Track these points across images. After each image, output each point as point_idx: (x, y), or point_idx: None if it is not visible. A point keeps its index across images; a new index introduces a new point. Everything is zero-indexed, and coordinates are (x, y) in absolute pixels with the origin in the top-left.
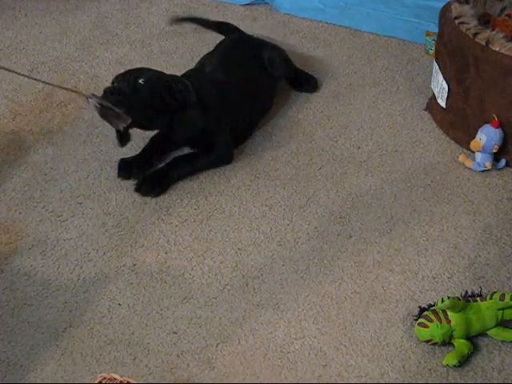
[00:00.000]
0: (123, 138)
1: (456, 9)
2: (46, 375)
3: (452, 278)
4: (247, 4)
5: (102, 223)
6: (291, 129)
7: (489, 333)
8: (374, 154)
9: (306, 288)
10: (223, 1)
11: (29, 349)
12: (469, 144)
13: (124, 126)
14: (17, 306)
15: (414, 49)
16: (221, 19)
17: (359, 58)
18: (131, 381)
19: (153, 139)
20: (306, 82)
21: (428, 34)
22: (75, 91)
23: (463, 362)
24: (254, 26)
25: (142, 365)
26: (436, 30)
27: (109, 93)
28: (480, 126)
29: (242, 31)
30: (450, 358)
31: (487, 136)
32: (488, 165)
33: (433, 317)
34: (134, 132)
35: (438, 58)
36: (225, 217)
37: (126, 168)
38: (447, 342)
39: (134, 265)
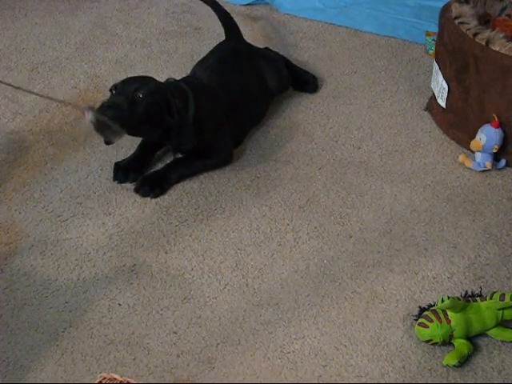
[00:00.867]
0: (110, 143)
1: (456, 9)
2: (46, 375)
3: (452, 277)
4: (247, 4)
5: (102, 223)
6: (291, 129)
7: (489, 333)
8: (374, 154)
9: (306, 288)
10: (223, 1)
11: (29, 349)
12: (469, 144)
13: (117, 139)
14: (17, 306)
15: (414, 49)
16: None
17: (359, 58)
18: (131, 381)
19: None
20: (306, 82)
21: (428, 34)
22: (73, 105)
23: (463, 362)
24: (254, 25)
25: (142, 365)
26: (436, 30)
27: (106, 107)
28: (480, 126)
29: (241, 36)
30: (450, 358)
31: (487, 136)
32: (488, 165)
33: (433, 317)
34: None
35: (438, 57)
36: (225, 217)
37: (121, 171)
38: (447, 342)
39: (134, 265)
